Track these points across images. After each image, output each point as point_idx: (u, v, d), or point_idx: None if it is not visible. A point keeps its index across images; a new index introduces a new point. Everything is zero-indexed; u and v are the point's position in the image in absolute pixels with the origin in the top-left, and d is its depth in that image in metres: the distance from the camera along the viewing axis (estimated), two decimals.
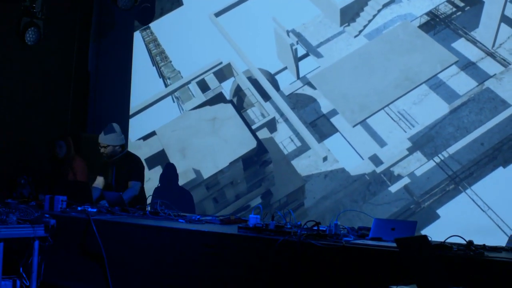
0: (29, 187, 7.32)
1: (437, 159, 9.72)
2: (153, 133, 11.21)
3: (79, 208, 6.42)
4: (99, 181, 7.46)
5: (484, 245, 4.62)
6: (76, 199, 6.58)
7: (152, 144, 11.15)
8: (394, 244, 4.18)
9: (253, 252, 5.08)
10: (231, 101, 11.12)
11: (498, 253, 4.51)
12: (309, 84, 10.68)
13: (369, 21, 10.49)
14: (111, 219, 5.97)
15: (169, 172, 9.16)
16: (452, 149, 9.63)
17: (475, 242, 4.62)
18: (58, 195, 6.42)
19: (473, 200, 9.36)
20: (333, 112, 10.43)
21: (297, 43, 10.89)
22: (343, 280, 4.62)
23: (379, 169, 9.98)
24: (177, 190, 9.17)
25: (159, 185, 9.05)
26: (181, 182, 10.16)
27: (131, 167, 7.34)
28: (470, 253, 4.37)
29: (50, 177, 8.14)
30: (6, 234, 5.31)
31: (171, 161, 10.47)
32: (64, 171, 8.16)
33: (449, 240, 4.59)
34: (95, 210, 6.37)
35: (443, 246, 4.50)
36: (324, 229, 5.11)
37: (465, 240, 4.59)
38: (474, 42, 9.86)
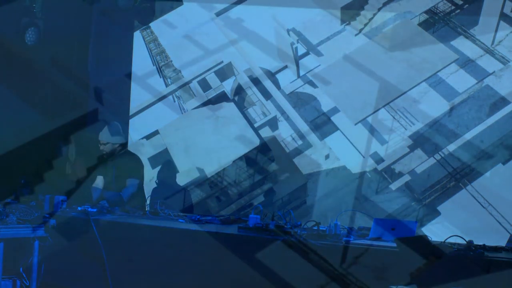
0: (29, 187, 7.32)
1: (437, 156, 9.72)
2: (156, 132, 11.18)
3: (79, 208, 6.42)
4: (99, 181, 7.45)
5: (484, 245, 4.62)
6: (76, 199, 6.59)
7: (155, 143, 11.13)
8: (394, 244, 4.19)
9: (253, 252, 5.08)
10: (233, 100, 11.11)
11: (498, 253, 4.51)
12: (310, 83, 10.67)
13: (370, 20, 10.48)
14: (111, 219, 5.97)
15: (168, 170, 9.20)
16: (452, 146, 9.64)
17: (476, 239, 4.63)
18: (58, 194, 6.43)
19: (474, 197, 9.38)
20: (334, 111, 10.42)
21: (298, 42, 10.87)
22: (343, 280, 4.62)
23: (380, 167, 9.98)
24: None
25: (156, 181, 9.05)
26: (184, 181, 10.15)
27: (131, 165, 7.34)
28: (470, 253, 4.37)
29: (50, 176, 8.15)
30: (6, 234, 5.32)
31: (175, 160, 10.48)
32: (64, 170, 8.17)
33: (449, 240, 4.60)
34: (95, 210, 6.37)
35: (443, 246, 4.51)
36: (324, 229, 5.11)
37: (465, 240, 4.60)
38: (473, 39, 9.86)
